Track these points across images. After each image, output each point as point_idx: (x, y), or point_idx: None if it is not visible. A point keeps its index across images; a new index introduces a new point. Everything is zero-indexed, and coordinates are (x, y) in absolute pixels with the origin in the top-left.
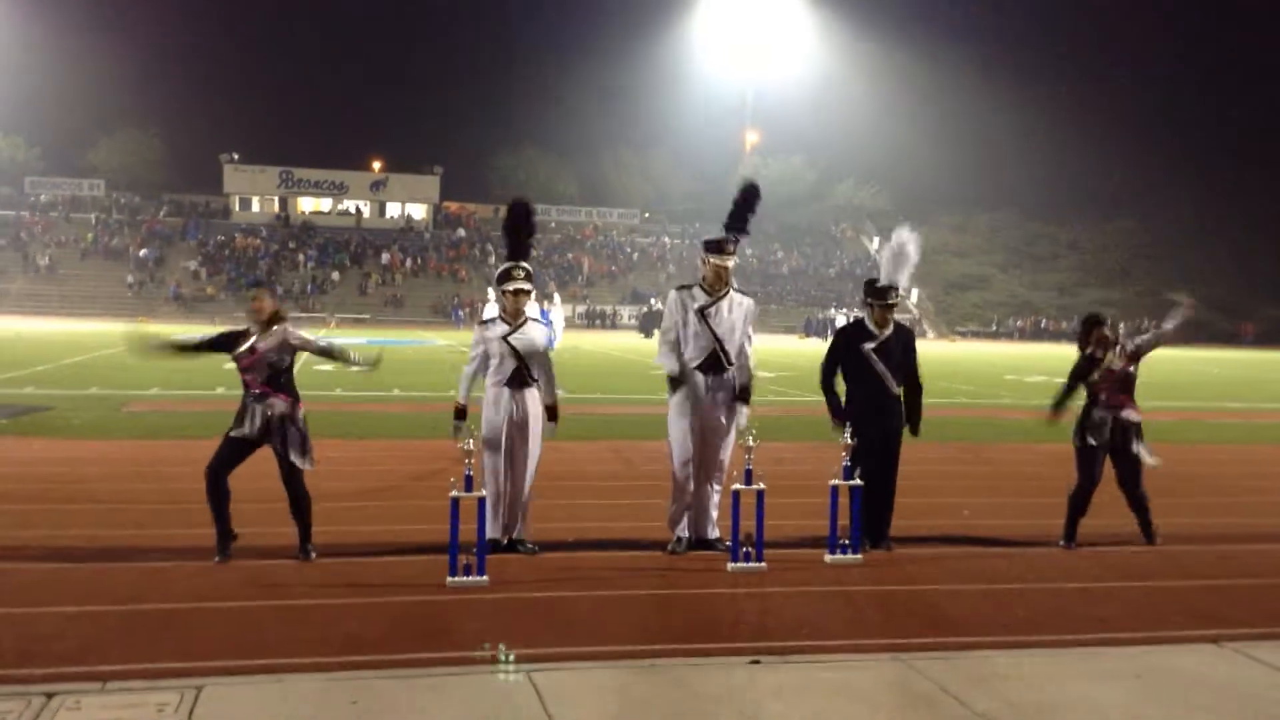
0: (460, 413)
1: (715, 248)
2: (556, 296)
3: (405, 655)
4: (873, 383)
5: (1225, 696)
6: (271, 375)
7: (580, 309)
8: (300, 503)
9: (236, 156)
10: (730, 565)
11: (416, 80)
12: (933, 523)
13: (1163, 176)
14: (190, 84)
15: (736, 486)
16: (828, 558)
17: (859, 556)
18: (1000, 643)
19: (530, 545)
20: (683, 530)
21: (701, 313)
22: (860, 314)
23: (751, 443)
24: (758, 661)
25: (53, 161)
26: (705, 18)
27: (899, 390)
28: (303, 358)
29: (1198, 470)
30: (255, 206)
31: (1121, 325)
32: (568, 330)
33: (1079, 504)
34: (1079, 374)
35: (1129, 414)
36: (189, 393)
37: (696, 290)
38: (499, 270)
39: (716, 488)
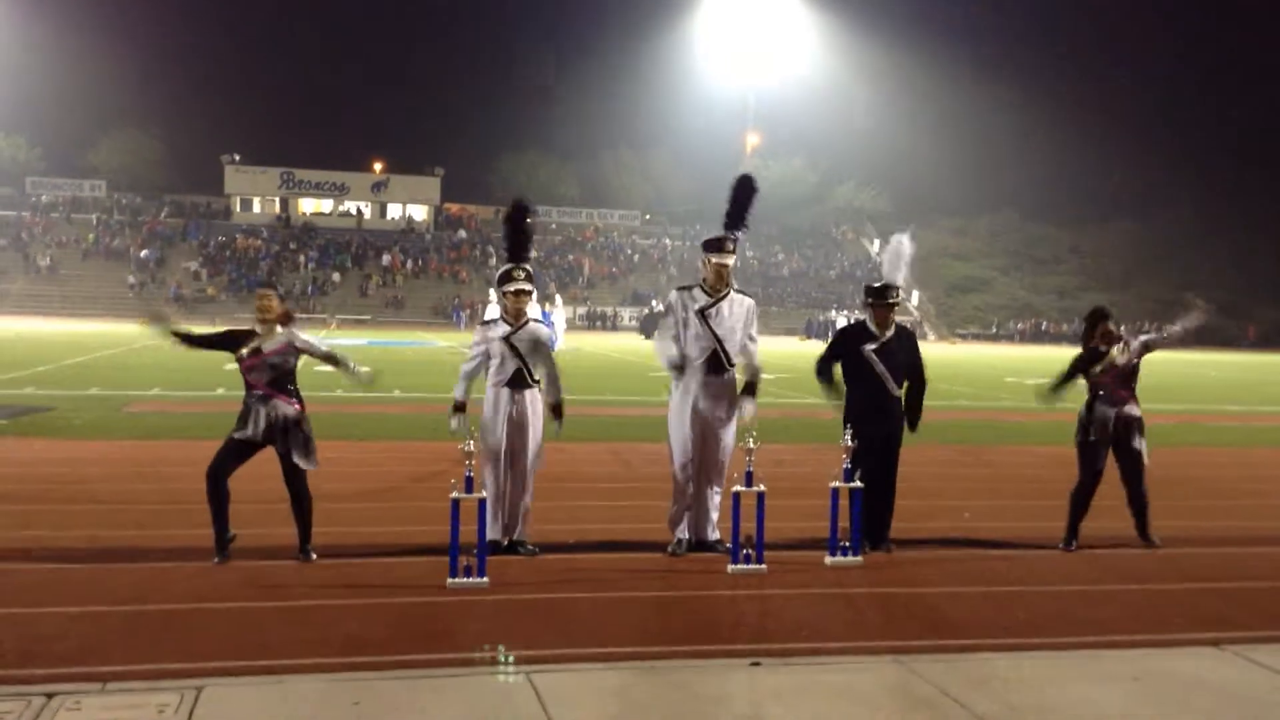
0: (458, 407)
1: (715, 246)
2: (558, 298)
3: (406, 656)
4: (873, 384)
5: (1225, 699)
6: (275, 377)
7: (581, 310)
8: (302, 502)
9: (237, 157)
10: (730, 567)
11: (417, 81)
12: (933, 525)
13: (1163, 177)
14: (191, 84)
15: (737, 488)
16: (828, 560)
17: (859, 558)
18: (1000, 645)
19: (530, 547)
20: (683, 532)
21: (702, 313)
22: (862, 316)
23: (752, 445)
24: (758, 663)
25: (54, 162)
26: (706, 19)
27: (899, 392)
28: (304, 358)
29: (1196, 473)
30: (256, 207)
31: (1123, 328)
32: (568, 332)
33: (1081, 502)
34: (1081, 364)
35: (1131, 409)
36: (190, 393)
37: (697, 291)
38: (499, 271)
39: (717, 489)
